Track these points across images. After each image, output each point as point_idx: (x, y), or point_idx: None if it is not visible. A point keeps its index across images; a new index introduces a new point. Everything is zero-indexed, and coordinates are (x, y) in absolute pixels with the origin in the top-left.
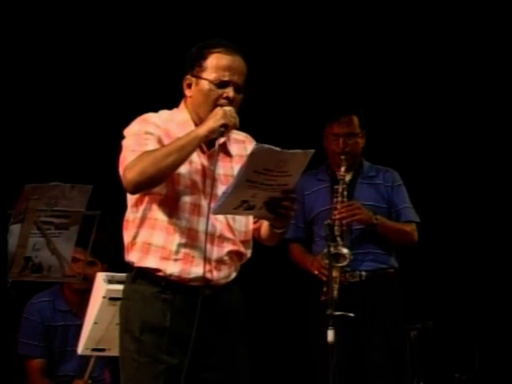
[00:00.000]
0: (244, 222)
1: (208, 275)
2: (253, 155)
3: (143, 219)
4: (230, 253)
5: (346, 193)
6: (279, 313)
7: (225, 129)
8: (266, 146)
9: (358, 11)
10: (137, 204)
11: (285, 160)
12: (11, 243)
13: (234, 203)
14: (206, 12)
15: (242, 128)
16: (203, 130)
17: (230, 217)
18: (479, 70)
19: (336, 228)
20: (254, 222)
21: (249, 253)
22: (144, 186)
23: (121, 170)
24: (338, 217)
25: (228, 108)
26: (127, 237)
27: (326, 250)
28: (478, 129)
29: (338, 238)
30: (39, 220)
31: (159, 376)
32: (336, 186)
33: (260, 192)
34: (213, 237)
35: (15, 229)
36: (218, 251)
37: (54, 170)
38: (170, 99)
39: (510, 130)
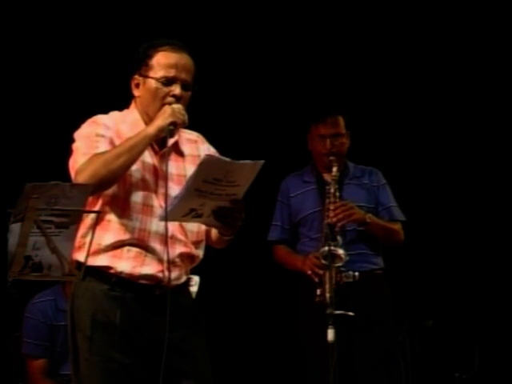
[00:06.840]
0: (196, 223)
1: (159, 275)
2: (202, 165)
3: (97, 220)
4: (181, 255)
5: (338, 194)
6: (270, 312)
7: (174, 127)
8: (216, 156)
9: (340, 10)
10: (91, 205)
11: (233, 170)
12: (11, 242)
13: (183, 211)
14: (182, 12)
15: (220, 130)
16: (152, 128)
17: None
18: (459, 68)
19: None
20: None
21: (201, 254)
22: (96, 188)
23: (72, 174)
24: (334, 219)
25: (176, 105)
26: (78, 236)
27: (323, 250)
28: (460, 126)
29: (339, 237)
30: (39, 219)
31: (112, 375)
32: (328, 187)
33: (208, 201)
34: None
35: (15, 228)
36: (169, 252)
37: (54, 169)
38: (123, 100)
39: (492, 126)
